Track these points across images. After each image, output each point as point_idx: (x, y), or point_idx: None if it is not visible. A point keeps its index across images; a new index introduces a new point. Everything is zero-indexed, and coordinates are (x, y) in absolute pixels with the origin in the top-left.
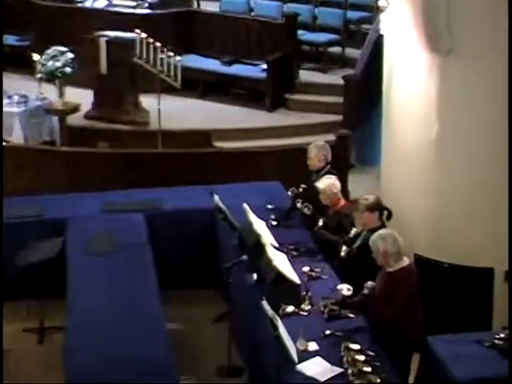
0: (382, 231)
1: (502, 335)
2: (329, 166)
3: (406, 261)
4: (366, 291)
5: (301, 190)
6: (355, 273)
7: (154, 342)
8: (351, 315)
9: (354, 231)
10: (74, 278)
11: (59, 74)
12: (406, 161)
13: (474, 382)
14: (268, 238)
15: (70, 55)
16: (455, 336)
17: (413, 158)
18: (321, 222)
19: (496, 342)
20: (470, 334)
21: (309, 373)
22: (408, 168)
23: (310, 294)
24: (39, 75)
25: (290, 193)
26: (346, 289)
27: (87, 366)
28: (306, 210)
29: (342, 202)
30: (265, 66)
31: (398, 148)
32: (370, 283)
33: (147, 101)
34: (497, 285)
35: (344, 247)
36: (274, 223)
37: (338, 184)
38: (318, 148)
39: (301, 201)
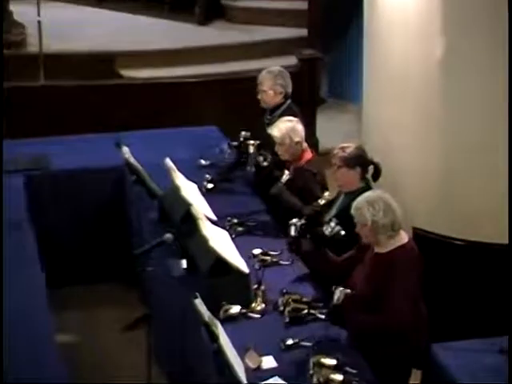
0: (368, 194)
1: None
2: (289, 101)
3: (403, 237)
4: (336, 300)
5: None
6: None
7: (38, 361)
8: (323, 316)
9: (326, 196)
10: None
11: None
12: (397, 93)
13: None
14: (202, 208)
15: None
16: (469, 343)
17: (407, 87)
18: (286, 176)
19: None
20: (491, 339)
21: None
22: (401, 103)
23: (263, 287)
24: None
25: (242, 138)
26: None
27: None
28: (261, 159)
29: (309, 154)
30: None
31: (387, 76)
32: (340, 290)
33: (21, 10)
34: None
35: (332, 223)
36: (210, 186)
37: (300, 129)
38: (271, 76)
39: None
